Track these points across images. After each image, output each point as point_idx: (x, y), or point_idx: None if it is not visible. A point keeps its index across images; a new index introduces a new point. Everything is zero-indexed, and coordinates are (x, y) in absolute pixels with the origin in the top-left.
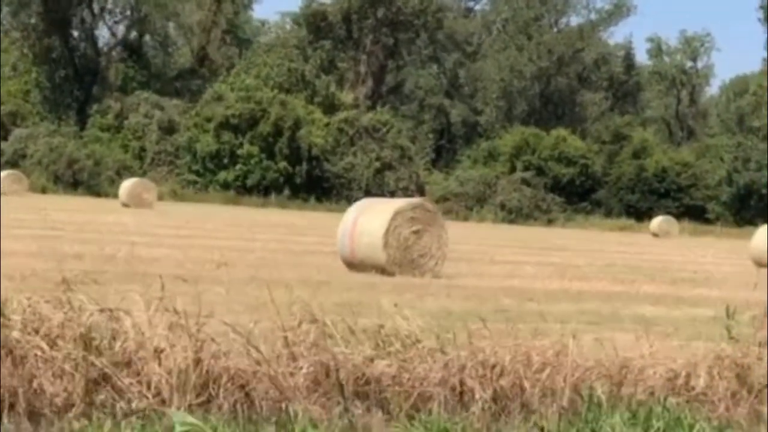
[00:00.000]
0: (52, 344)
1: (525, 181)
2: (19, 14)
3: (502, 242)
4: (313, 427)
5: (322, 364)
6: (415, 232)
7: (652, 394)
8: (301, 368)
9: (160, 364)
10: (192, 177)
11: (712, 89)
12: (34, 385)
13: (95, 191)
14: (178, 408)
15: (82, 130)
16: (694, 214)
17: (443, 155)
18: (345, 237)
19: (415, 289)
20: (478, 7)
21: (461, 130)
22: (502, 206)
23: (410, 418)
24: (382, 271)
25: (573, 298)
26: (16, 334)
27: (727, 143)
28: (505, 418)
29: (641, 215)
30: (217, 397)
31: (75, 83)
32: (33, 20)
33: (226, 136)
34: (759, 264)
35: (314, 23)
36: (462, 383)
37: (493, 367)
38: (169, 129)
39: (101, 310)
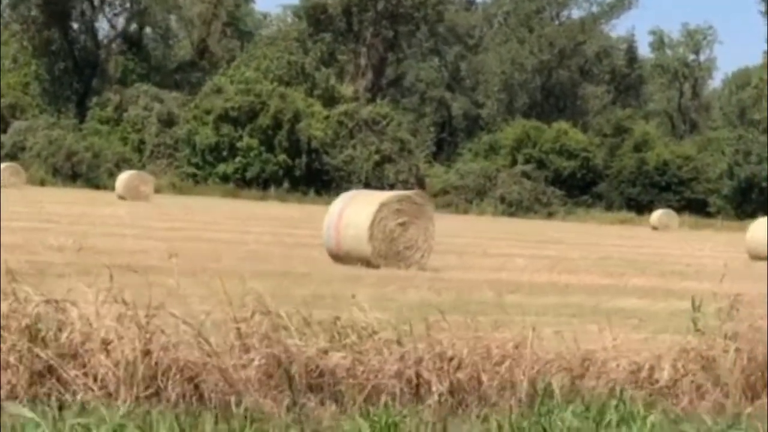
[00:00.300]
0: None
1: (525, 174)
2: (19, 6)
3: (498, 235)
4: (255, 420)
5: (274, 357)
6: (401, 225)
7: (613, 387)
8: (253, 360)
9: (107, 356)
10: (191, 170)
11: (715, 82)
12: None
13: (94, 184)
14: (125, 401)
15: (82, 122)
16: (696, 207)
17: (444, 148)
18: (331, 229)
19: (398, 281)
20: (479, 0)
21: (462, 123)
22: (502, 199)
23: (366, 411)
24: (368, 263)
25: (559, 291)
26: None
27: (729, 136)
28: (462, 411)
29: (642, 209)
30: (166, 390)
31: (74, 76)
32: (33, 12)
33: (226, 128)
34: (754, 257)
35: (314, 16)
36: (418, 376)
37: (451, 359)
38: (168, 121)
39: (47, 301)
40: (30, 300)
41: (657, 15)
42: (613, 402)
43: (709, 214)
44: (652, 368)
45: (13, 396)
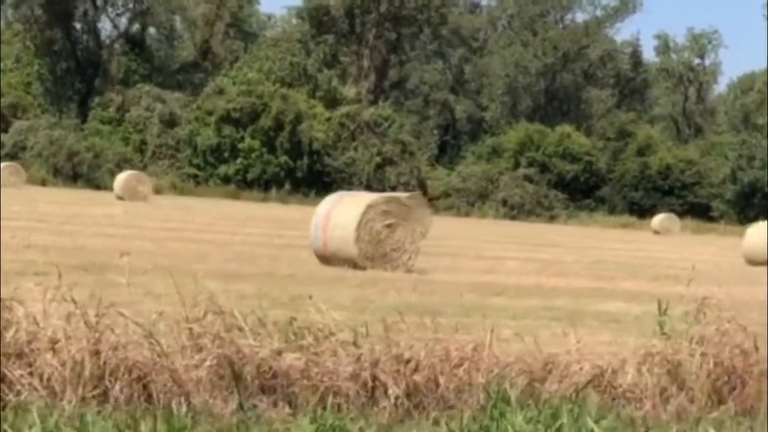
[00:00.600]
0: None
1: (527, 178)
2: (22, 6)
3: (496, 238)
4: (198, 422)
5: (226, 357)
6: (388, 226)
7: (576, 391)
8: (204, 361)
9: (54, 356)
10: (192, 170)
11: (721, 87)
12: None
13: (95, 184)
14: (70, 401)
15: (84, 122)
16: (698, 211)
17: (447, 151)
18: (318, 230)
19: (382, 283)
20: (484, 3)
21: (466, 126)
22: (504, 202)
23: (315, 414)
24: (354, 265)
25: (545, 294)
26: None
27: (732, 141)
28: (419, 414)
29: (645, 213)
30: (114, 390)
31: (77, 76)
32: (35, 12)
33: (227, 129)
34: (750, 261)
35: (317, 17)
36: (374, 378)
37: (408, 361)
38: (170, 122)
39: None
40: None
41: (662, 19)
42: (568, 406)
43: (712, 219)
44: (615, 372)
45: None
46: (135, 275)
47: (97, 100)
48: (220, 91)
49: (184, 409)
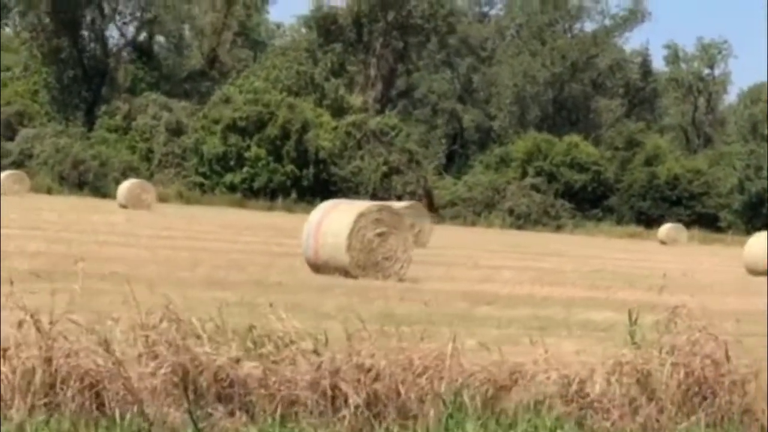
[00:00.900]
0: None
1: (534, 187)
2: (29, 14)
3: (498, 247)
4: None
5: (181, 365)
6: (380, 235)
7: (542, 400)
8: (159, 369)
9: (4, 364)
10: (199, 179)
11: (731, 97)
12: None
13: (101, 192)
14: (18, 410)
15: (90, 131)
16: (706, 222)
17: (456, 160)
18: (310, 238)
19: (371, 292)
20: (492, 12)
21: (474, 136)
22: (511, 212)
23: (272, 423)
24: (346, 273)
25: (536, 303)
26: None
27: (740, 151)
28: (379, 424)
29: (652, 223)
30: (65, 398)
31: (83, 84)
32: (42, 20)
33: (234, 138)
34: (751, 272)
35: (324, 26)
36: (335, 387)
37: (369, 370)
38: (176, 131)
39: None
40: None
41: (671, 29)
42: (526, 416)
43: (719, 229)
44: (582, 382)
45: None
46: (104, 282)
47: (103, 108)
48: (227, 100)
49: (137, 418)
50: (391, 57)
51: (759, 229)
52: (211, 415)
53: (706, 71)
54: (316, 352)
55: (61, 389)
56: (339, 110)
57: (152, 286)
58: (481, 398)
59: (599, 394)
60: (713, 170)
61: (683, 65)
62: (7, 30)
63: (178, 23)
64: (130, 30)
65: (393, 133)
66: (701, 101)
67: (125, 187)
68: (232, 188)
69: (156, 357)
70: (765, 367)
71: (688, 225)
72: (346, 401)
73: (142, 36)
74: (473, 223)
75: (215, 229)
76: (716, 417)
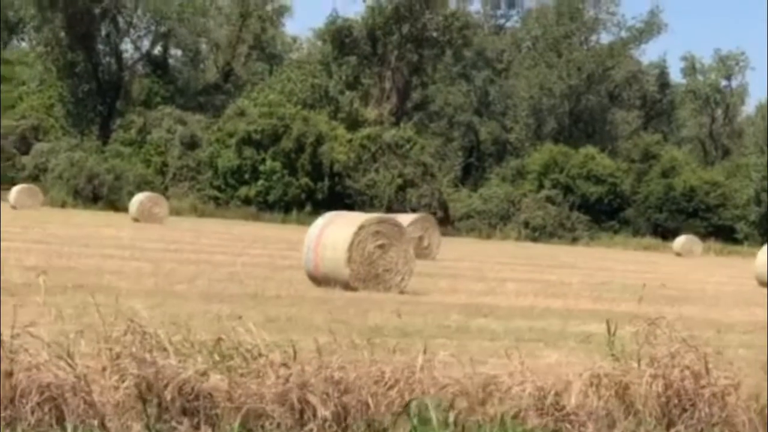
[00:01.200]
0: None
1: (550, 199)
2: (43, 28)
3: (507, 260)
4: None
5: (145, 379)
6: (380, 247)
7: (516, 414)
8: (122, 382)
9: None
10: (213, 192)
11: (749, 108)
12: None
13: (115, 206)
14: None
15: (105, 144)
16: (723, 233)
17: (472, 173)
18: (310, 251)
19: (366, 304)
20: (508, 25)
21: (491, 148)
22: (526, 224)
23: None
24: (346, 286)
25: (535, 315)
26: None
27: (756, 162)
28: None
29: (669, 235)
30: (25, 413)
31: (98, 98)
32: (57, 34)
33: (248, 151)
34: (762, 283)
35: (339, 39)
36: (303, 400)
37: (338, 383)
38: (191, 144)
39: None
40: None
41: (689, 40)
42: (500, 429)
43: (736, 241)
44: (558, 394)
45: None
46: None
47: (118, 122)
48: (241, 113)
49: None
50: (406, 70)
51: None
52: (175, 429)
53: (724, 83)
54: (285, 364)
55: (21, 403)
56: (354, 123)
57: (148, 298)
58: (454, 411)
59: (575, 406)
60: (730, 182)
61: (700, 77)
62: (23, 44)
63: (194, 37)
64: (145, 44)
65: (408, 146)
66: (719, 113)
67: (137, 200)
68: (246, 201)
69: (119, 370)
70: (746, 379)
71: (705, 237)
72: (314, 414)
73: (157, 49)
74: (489, 236)
75: (224, 242)
76: (696, 429)
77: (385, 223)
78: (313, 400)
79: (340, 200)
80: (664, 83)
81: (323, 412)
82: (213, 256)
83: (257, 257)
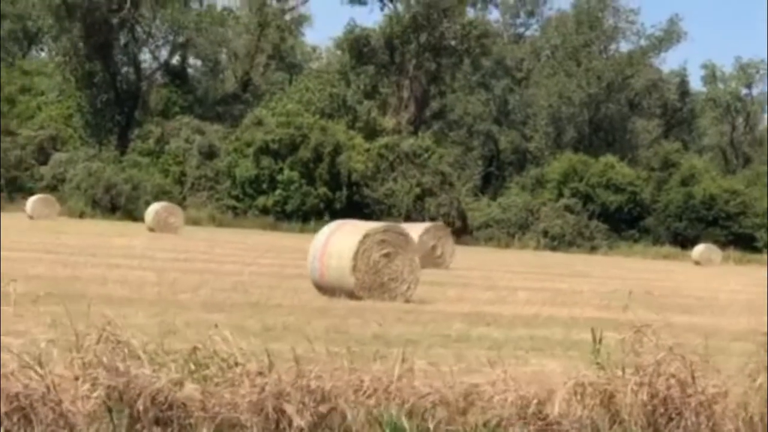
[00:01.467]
0: None
1: (568, 208)
2: (61, 38)
3: (522, 268)
4: None
5: (117, 388)
6: (386, 256)
7: (498, 423)
8: (94, 391)
9: None
10: (231, 202)
11: None
12: None
13: (133, 216)
14: None
15: (123, 154)
16: (743, 242)
17: (492, 182)
18: (315, 260)
19: (368, 313)
20: (528, 33)
21: (511, 157)
22: (545, 233)
23: None
24: (352, 295)
25: (539, 324)
26: None
27: None
28: None
29: (688, 243)
30: None
31: (116, 108)
32: (76, 44)
33: (266, 161)
34: None
35: (357, 48)
36: (278, 409)
37: (314, 392)
38: (209, 154)
39: None
40: None
41: (709, 49)
42: None
43: (756, 249)
44: (542, 403)
45: None
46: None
47: (136, 132)
48: (259, 123)
49: None
50: (424, 79)
51: None
52: None
53: (744, 91)
54: (261, 373)
55: None
56: (371, 132)
57: (148, 307)
58: (433, 421)
59: (559, 415)
60: (750, 190)
61: (721, 85)
62: (42, 54)
63: (215, 47)
64: (163, 53)
65: (426, 155)
66: (739, 121)
67: (153, 210)
68: (264, 211)
69: (91, 379)
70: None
71: (725, 245)
72: (290, 424)
73: (175, 59)
74: (507, 245)
75: (237, 252)
76: None
77: (391, 231)
78: (289, 409)
79: (358, 210)
80: (684, 91)
81: (299, 421)
82: (222, 266)
83: (267, 267)
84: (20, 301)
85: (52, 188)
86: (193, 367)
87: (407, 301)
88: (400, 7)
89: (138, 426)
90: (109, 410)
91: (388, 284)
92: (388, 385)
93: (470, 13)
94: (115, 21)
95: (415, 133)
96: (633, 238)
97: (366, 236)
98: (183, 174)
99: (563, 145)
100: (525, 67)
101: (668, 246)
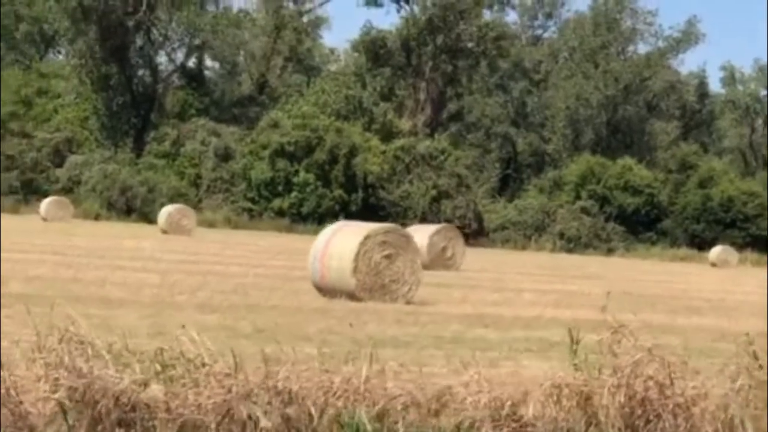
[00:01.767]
0: None
1: (585, 210)
2: (77, 41)
3: (534, 270)
4: None
5: (80, 389)
6: (387, 257)
7: (471, 425)
8: (55, 392)
9: None
10: (247, 204)
11: None
12: None
13: (148, 218)
14: None
15: (139, 157)
16: (761, 244)
17: (510, 184)
18: (316, 262)
19: (367, 314)
20: (545, 35)
21: (529, 159)
22: (561, 235)
23: None
24: (352, 296)
25: (539, 325)
26: None
27: None
28: None
29: (705, 245)
30: None
31: (132, 110)
32: (92, 47)
33: (282, 163)
34: None
35: (373, 50)
36: (245, 410)
37: (281, 393)
38: (225, 156)
39: None
40: None
41: (728, 50)
42: None
43: None
44: (516, 405)
45: None
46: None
47: (152, 134)
48: (275, 125)
49: None
50: (441, 81)
51: None
52: None
53: (764, 93)
54: (228, 374)
55: None
56: (388, 134)
57: (141, 309)
58: (404, 423)
59: (533, 417)
60: None
61: (740, 87)
62: (59, 57)
63: (232, 49)
64: (179, 56)
65: (442, 158)
66: (759, 123)
67: (166, 212)
68: (280, 213)
69: (53, 380)
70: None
71: (742, 247)
72: (256, 425)
73: (192, 61)
74: (524, 247)
75: (247, 254)
76: None
77: (392, 233)
78: (256, 410)
79: (374, 212)
80: (703, 93)
81: (265, 422)
82: (228, 268)
83: (274, 268)
84: (11, 303)
85: (67, 190)
86: (159, 367)
87: (408, 302)
88: (416, 9)
89: (100, 427)
90: (64, 411)
91: (389, 286)
92: (358, 386)
93: (487, 15)
94: (131, 23)
95: (431, 135)
96: (650, 240)
97: (367, 237)
98: (198, 176)
99: (581, 147)
100: (543, 69)
101: (685, 248)
